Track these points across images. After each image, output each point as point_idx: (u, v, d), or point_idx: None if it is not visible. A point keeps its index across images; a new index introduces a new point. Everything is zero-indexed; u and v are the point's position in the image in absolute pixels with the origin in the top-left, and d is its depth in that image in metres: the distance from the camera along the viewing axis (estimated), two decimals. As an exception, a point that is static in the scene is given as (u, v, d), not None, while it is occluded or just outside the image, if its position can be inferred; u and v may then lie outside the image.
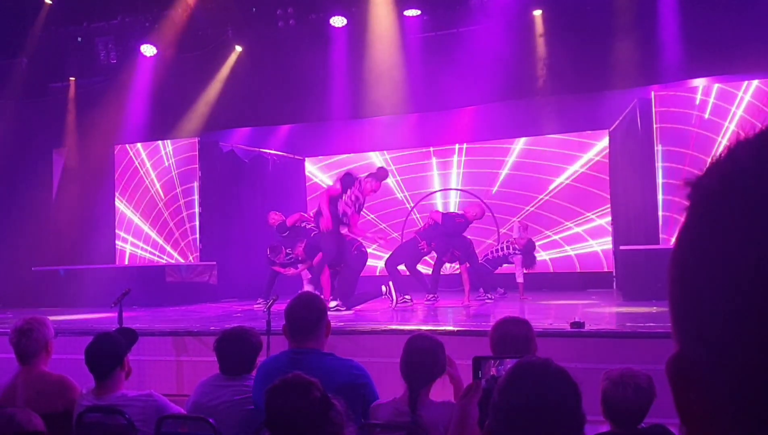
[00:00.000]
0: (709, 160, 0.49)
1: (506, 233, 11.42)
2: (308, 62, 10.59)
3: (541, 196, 11.92)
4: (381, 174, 8.40)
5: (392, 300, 8.11)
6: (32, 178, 11.87)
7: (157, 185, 11.52)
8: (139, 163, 11.70)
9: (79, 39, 11.43)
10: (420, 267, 9.07)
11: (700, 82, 8.99)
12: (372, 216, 12.42)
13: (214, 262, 11.06)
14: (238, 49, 11.36)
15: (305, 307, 3.19)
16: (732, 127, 8.24)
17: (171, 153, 11.49)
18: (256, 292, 9.81)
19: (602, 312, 7.42)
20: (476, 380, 2.15)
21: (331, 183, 9.91)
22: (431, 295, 8.71)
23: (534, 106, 11.30)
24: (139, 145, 11.72)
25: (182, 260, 11.20)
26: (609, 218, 11.39)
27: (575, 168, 11.78)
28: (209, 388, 3.41)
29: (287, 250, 9.61)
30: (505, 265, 9.67)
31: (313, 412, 2.18)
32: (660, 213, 8.36)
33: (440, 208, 11.72)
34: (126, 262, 11.55)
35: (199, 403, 3.35)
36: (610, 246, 11.35)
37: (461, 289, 8.96)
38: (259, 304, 8.95)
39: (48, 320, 3.66)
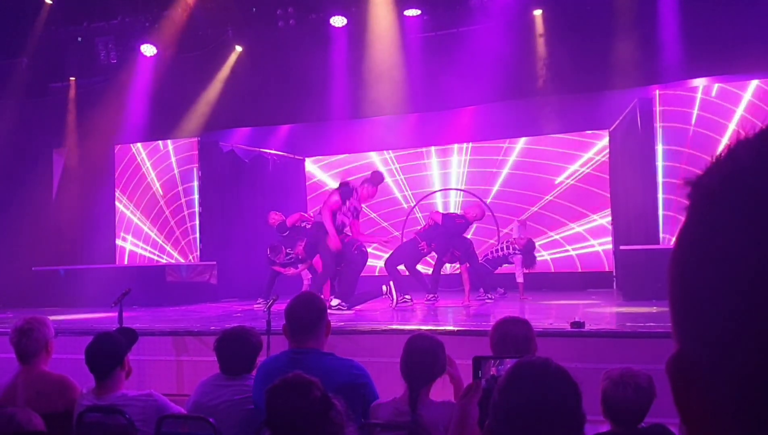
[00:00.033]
0: (710, 159, 0.49)
1: (507, 234, 11.41)
2: (308, 62, 10.59)
3: (541, 196, 11.92)
4: (376, 178, 8.26)
5: (392, 300, 8.10)
6: (32, 177, 11.85)
7: (157, 185, 11.52)
8: (139, 162, 11.70)
9: (79, 39, 11.44)
10: (420, 267, 9.07)
11: (700, 82, 8.98)
12: (374, 214, 12.43)
13: (214, 262, 11.05)
14: (238, 49, 11.37)
15: (305, 307, 3.19)
16: (732, 126, 8.23)
17: (171, 153, 11.49)
18: (256, 292, 9.80)
19: (602, 312, 7.41)
20: (476, 380, 2.15)
21: (331, 183, 9.89)
22: (431, 295, 8.71)
23: (534, 106, 11.29)
24: (139, 144, 11.72)
25: (182, 260, 11.20)
26: (609, 218, 11.38)
27: (575, 167, 11.78)
28: (209, 388, 3.41)
29: (287, 250, 9.60)
30: (505, 265, 9.67)
31: (313, 412, 2.18)
32: (660, 212, 8.35)
33: (440, 208, 11.74)
34: (126, 262, 11.55)
35: (199, 403, 3.35)
36: (610, 246, 11.35)
37: (461, 289, 8.96)
38: (259, 303, 8.95)
39: (48, 320, 3.66)
